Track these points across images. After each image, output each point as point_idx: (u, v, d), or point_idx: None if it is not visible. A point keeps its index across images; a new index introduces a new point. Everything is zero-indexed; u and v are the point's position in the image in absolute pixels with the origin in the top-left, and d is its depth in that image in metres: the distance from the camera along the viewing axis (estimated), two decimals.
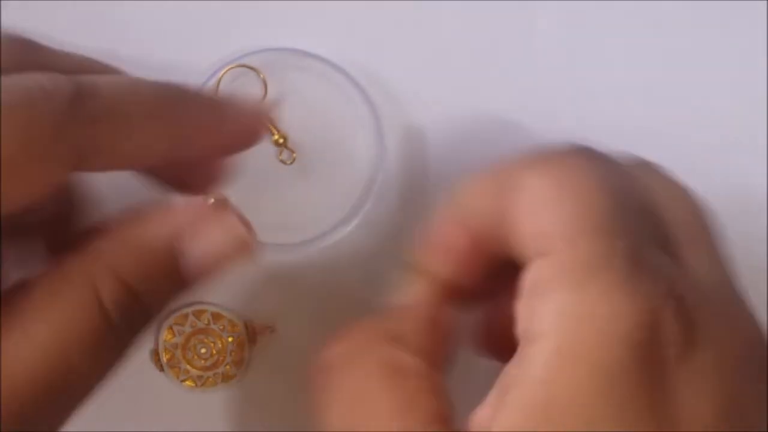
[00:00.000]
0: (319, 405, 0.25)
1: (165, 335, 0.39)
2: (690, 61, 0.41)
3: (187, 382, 0.39)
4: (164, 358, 0.39)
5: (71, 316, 0.23)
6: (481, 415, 0.23)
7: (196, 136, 0.26)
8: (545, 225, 0.23)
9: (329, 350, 0.25)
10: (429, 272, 0.27)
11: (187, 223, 0.25)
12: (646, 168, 0.27)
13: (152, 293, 0.25)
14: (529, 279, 0.23)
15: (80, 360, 0.23)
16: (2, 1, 0.40)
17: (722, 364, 0.22)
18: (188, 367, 0.39)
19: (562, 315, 0.21)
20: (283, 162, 0.40)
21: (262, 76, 0.40)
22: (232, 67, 0.40)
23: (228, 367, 0.39)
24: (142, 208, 0.25)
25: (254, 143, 0.28)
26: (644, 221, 0.23)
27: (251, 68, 0.40)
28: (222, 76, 0.40)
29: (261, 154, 0.40)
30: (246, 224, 0.26)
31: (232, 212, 0.26)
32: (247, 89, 0.40)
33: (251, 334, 0.40)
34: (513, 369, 0.22)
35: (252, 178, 0.40)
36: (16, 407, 0.22)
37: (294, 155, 0.40)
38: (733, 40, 0.41)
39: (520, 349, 0.22)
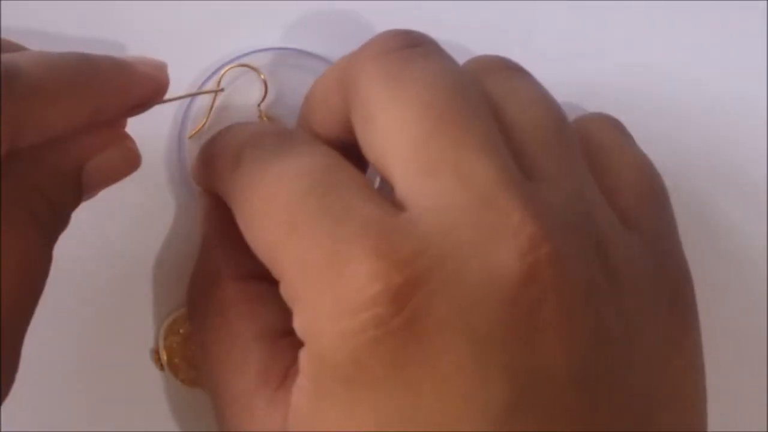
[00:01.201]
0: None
1: (165, 335, 0.39)
2: (690, 61, 0.41)
3: (188, 382, 0.39)
4: (164, 358, 0.39)
5: (23, 236, 0.26)
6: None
7: (111, 98, 0.29)
8: (271, 253, 0.27)
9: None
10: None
11: (96, 148, 0.29)
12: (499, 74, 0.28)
13: (64, 206, 0.28)
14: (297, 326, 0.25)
15: (36, 272, 0.27)
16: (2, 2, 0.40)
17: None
18: (189, 366, 0.39)
19: (301, 327, 0.25)
20: None
21: (262, 76, 0.40)
22: (232, 67, 0.40)
23: None
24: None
25: (160, 97, 0.32)
26: None
27: (251, 68, 0.40)
28: (222, 75, 0.40)
29: None
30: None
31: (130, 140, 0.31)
32: (248, 89, 0.40)
33: None
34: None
35: None
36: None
37: None
38: (733, 40, 0.42)
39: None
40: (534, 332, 0.22)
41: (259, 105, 0.40)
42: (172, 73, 0.40)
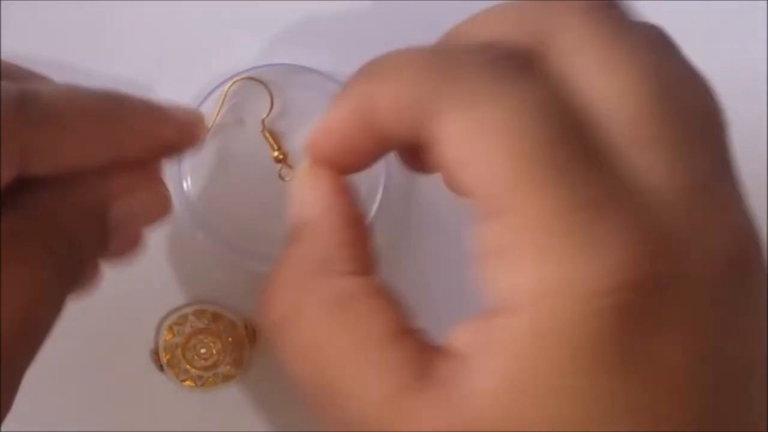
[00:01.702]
0: (287, 368, 0.25)
1: (165, 335, 0.39)
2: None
3: (187, 382, 0.39)
4: (164, 358, 0.39)
5: (36, 269, 0.25)
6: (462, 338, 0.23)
7: (136, 138, 0.28)
8: (486, 179, 0.22)
9: (268, 311, 0.25)
10: (318, 165, 0.27)
11: (123, 189, 0.28)
12: (585, 46, 0.25)
13: (88, 247, 0.27)
14: (487, 240, 0.22)
15: (43, 308, 0.25)
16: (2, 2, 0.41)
17: (695, 301, 0.21)
18: (188, 367, 0.39)
19: (532, 290, 0.21)
20: (282, 178, 0.40)
21: (269, 89, 0.40)
22: (238, 79, 0.40)
23: (228, 367, 0.39)
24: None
25: (192, 146, 0.31)
26: (579, 150, 0.22)
27: (259, 81, 0.40)
28: (228, 88, 0.40)
29: (261, 170, 0.40)
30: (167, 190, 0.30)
31: (161, 184, 0.30)
32: (253, 102, 0.41)
33: (251, 334, 0.40)
34: (486, 326, 0.22)
35: (252, 194, 0.40)
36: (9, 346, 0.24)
37: (293, 171, 0.41)
38: (733, 40, 0.41)
39: (489, 314, 0.22)
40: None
41: (263, 119, 0.40)
42: (181, 84, 0.41)
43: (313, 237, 0.26)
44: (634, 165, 0.22)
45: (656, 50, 0.24)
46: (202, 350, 0.39)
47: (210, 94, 0.40)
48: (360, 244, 0.26)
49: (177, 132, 0.30)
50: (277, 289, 0.25)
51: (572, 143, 0.22)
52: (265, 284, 0.26)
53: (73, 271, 0.27)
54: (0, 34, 0.40)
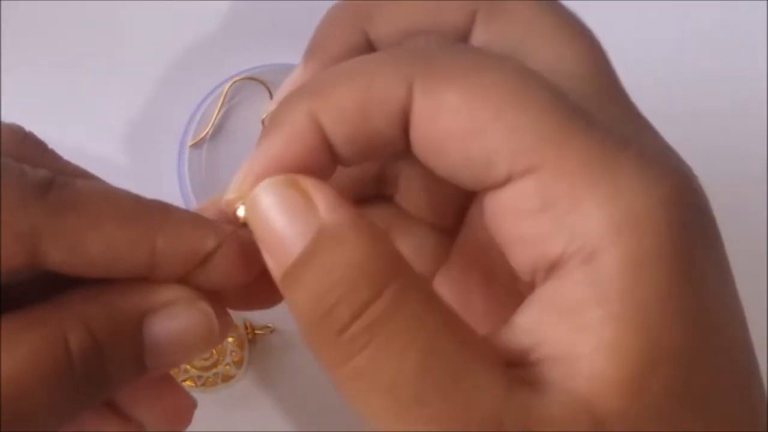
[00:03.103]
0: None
1: None
2: (690, 61, 0.41)
3: (187, 382, 0.39)
4: None
5: (39, 351, 0.23)
6: (521, 331, 0.21)
7: (178, 247, 0.24)
8: (508, 140, 0.21)
9: (364, 308, 0.22)
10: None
11: (162, 301, 0.25)
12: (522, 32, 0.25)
13: (114, 357, 0.24)
14: (528, 198, 0.21)
15: (41, 397, 0.23)
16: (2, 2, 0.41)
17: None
18: (188, 367, 0.39)
19: (609, 223, 0.20)
20: None
21: (269, 89, 0.41)
22: (238, 79, 0.40)
23: (228, 367, 0.39)
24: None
25: (243, 281, 0.25)
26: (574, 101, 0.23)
27: (259, 81, 0.40)
28: (228, 88, 0.40)
29: None
30: (218, 314, 0.25)
31: (206, 303, 0.25)
32: (252, 102, 0.41)
33: (251, 334, 0.40)
34: (568, 290, 0.21)
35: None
36: None
37: None
38: (733, 40, 0.41)
39: (562, 270, 0.21)
40: None
41: (263, 119, 0.40)
42: (182, 84, 0.41)
43: (367, 233, 0.22)
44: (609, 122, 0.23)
45: (582, 24, 0.26)
46: None
47: (210, 94, 0.40)
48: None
49: (218, 246, 0.25)
50: (359, 285, 0.21)
51: (564, 96, 0.22)
52: (322, 297, 0.21)
53: (91, 375, 0.24)
54: (0, 33, 0.40)
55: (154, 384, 0.27)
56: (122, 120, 0.41)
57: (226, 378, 0.40)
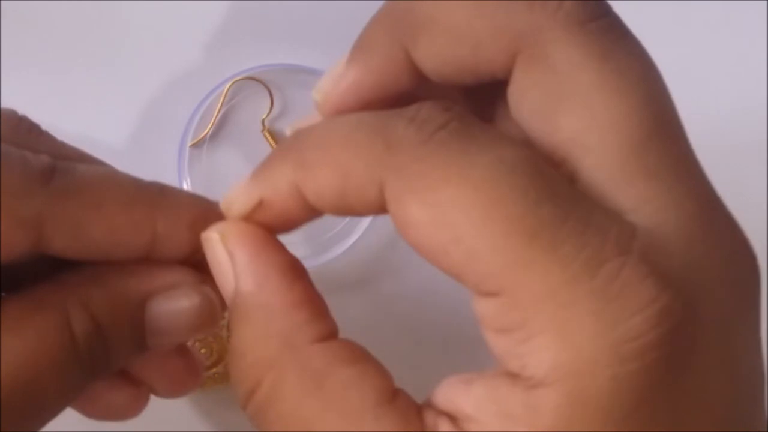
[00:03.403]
0: None
1: None
2: (690, 61, 0.41)
3: None
4: None
5: (44, 335, 0.23)
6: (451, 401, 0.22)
7: (175, 231, 0.25)
8: (472, 263, 0.20)
9: (242, 398, 0.23)
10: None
11: (164, 284, 0.26)
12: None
13: (116, 338, 0.25)
14: (490, 318, 0.21)
15: (49, 378, 0.24)
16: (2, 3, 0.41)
17: (710, 332, 0.21)
18: None
19: (555, 365, 0.20)
20: None
21: (269, 89, 0.41)
22: (239, 79, 0.40)
23: (228, 367, 0.39)
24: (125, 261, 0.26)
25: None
26: (566, 202, 0.20)
27: (259, 80, 0.40)
28: (228, 88, 0.40)
29: None
30: (217, 297, 0.26)
31: (209, 282, 0.25)
32: (253, 102, 0.41)
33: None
34: (507, 399, 0.21)
35: None
36: None
37: None
38: (733, 40, 0.41)
39: (512, 386, 0.21)
40: None
41: (263, 119, 0.41)
42: (182, 84, 0.41)
43: (263, 309, 0.23)
44: (628, 202, 0.21)
45: (643, 72, 0.23)
46: (202, 350, 0.40)
47: (210, 94, 0.40)
48: (315, 299, 0.23)
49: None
50: (246, 375, 0.23)
51: (552, 199, 0.20)
52: (232, 377, 0.24)
53: (95, 356, 0.24)
54: (0, 33, 0.40)
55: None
56: (122, 120, 0.41)
57: (226, 378, 0.40)
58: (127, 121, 0.41)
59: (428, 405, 0.22)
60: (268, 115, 0.40)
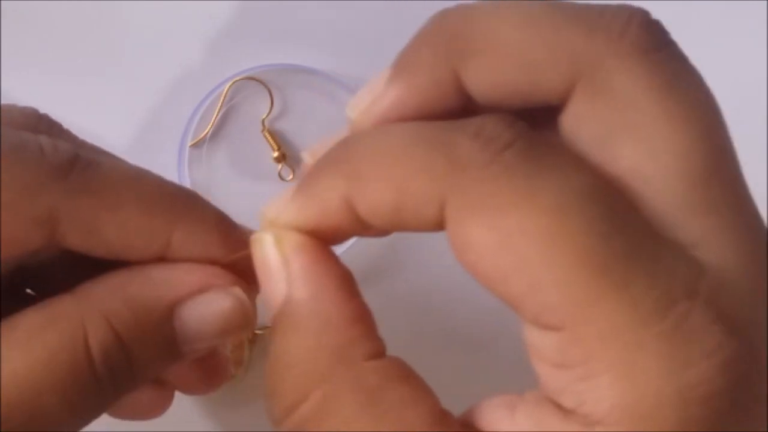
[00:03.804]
0: None
1: None
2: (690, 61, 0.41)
3: None
4: None
5: (54, 353, 0.23)
6: None
7: (186, 250, 0.25)
8: (534, 293, 0.20)
9: (284, 412, 0.22)
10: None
11: (191, 289, 0.25)
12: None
13: (142, 351, 0.24)
14: (547, 352, 0.20)
15: (52, 402, 0.23)
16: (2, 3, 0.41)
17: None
18: None
19: (617, 405, 0.19)
20: (282, 178, 0.40)
21: (269, 89, 0.40)
22: (239, 79, 0.40)
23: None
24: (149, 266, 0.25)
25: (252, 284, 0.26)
26: (634, 238, 0.20)
27: (259, 80, 0.40)
28: (228, 88, 0.40)
29: (260, 169, 0.41)
30: (249, 297, 0.25)
31: (237, 283, 0.25)
32: (253, 102, 0.41)
33: (251, 335, 0.40)
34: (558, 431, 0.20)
35: (250, 194, 0.40)
36: None
37: (293, 171, 0.41)
38: (733, 40, 0.41)
39: (564, 420, 0.20)
40: None
41: (263, 119, 0.41)
42: (182, 84, 0.41)
43: (318, 320, 0.22)
44: (690, 236, 0.20)
45: (705, 105, 0.22)
46: None
47: (210, 94, 0.40)
48: (367, 315, 0.23)
49: (238, 253, 0.25)
50: (292, 387, 0.22)
51: (622, 231, 0.20)
52: (272, 384, 0.22)
53: (116, 373, 0.23)
54: (0, 33, 0.40)
55: None
56: (122, 120, 0.41)
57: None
58: (128, 121, 0.41)
59: (469, 425, 0.22)
60: (268, 115, 0.40)
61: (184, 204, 0.25)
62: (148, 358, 0.24)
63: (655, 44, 0.22)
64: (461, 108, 0.23)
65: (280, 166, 0.40)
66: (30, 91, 0.40)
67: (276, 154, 0.40)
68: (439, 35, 0.23)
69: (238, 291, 0.25)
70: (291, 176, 0.40)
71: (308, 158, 0.24)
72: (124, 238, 0.24)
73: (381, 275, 0.41)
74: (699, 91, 0.22)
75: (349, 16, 0.42)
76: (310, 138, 0.41)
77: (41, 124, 0.26)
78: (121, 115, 0.41)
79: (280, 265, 0.23)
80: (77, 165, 0.23)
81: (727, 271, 0.20)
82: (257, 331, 0.40)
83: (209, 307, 0.25)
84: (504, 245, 0.20)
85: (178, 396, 0.39)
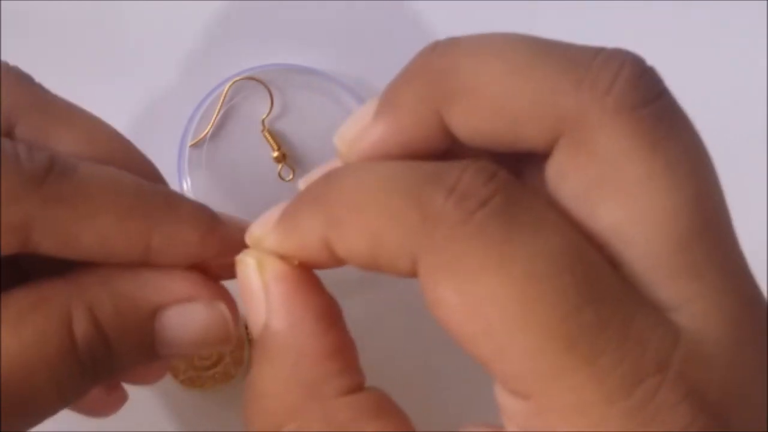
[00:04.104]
0: None
1: None
2: (690, 61, 0.41)
3: (187, 382, 0.39)
4: None
5: (43, 335, 0.23)
6: None
7: (166, 252, 0.24)
8: (502, 361, 0.19)
9: None
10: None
11: (177, 296, 0.25)
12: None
13: (121, 346, 0.24)
14: (515, 415, 0.20)
15: (43, 379, 0.23)
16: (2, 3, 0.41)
17: None
18: (188, 367, 0.39)
19: None
20: (282, 178, 0.40)
21: (269, 89, 0.40)
22: (238, 79, 0.40)
23: (228, 367, 0.39)
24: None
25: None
26: (612, 306, 0.19)
27: (258, 80, 0.40)
28: (228, 88, 0.40)
29: (260, 169, 0.41)
30: (233, 312, 0.26)
31: (224, 296, 0.25)
32: (253, 102, 0.41)
33: (251, 334, 0.40)
34: None
35: (250, 194, 0.40)
36: None
37: (293, 171, 0.41)
38: (733, 40, 0.41)
39: None
40: None
41: (263, 119, 0.41)
42: (182, 84, 0.41)
43: (293, 352, 0.22)
44: (670, 300, 0.20)
45: (695, 165, 0.21)
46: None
47: (210, 94, 0.40)
48: (346, 347, 0.23)
49: (231, 246, 0.25)
50: (264, 420, 0.22)
51: (595, 299, 0.19)
52: (247, 413, 0.23)
53: (97, 361, 0.24)
54: (0, 33, 0.40)
55: None
56: (122, 120, 0.41)
57: (226, 378, 0.40)
58: (128, 120, 0.41)
59: None
60: (268, 115, 0.41)
61: (162, 207, 0.24)
62: (125, 353, 0.24)
63: (642, 99, 0.21)
64: (447, 146, 0.23)
65: (280, 166, 0.40)
66: None
67: (276, 154, 0.40)
68: (424, 74, 0.23)
69: (222, 306, 0.25)
70: (291, 176, 0.40)
71: (302, 187, 0.24)
72: (101, 245, 0.23)
73: (379, 278, 0.41)
74: (689, 149, 0.21)
75: (349, 16, 0.42)
76: (310, 138, 0.41)
77: (35, 103, 0.26)
78: (121, 115, 0.41)
79: (261, 291, 0.23)
80: (52, 172, 0.23)
81: (705, 338, 0.20)
82: None
83: (192, 317, 0.25)
84: (472, 310, 0.19)
85: (178, 396, 0.40)
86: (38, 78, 0.40)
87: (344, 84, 0.40)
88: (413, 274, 0.21)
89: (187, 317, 0.25)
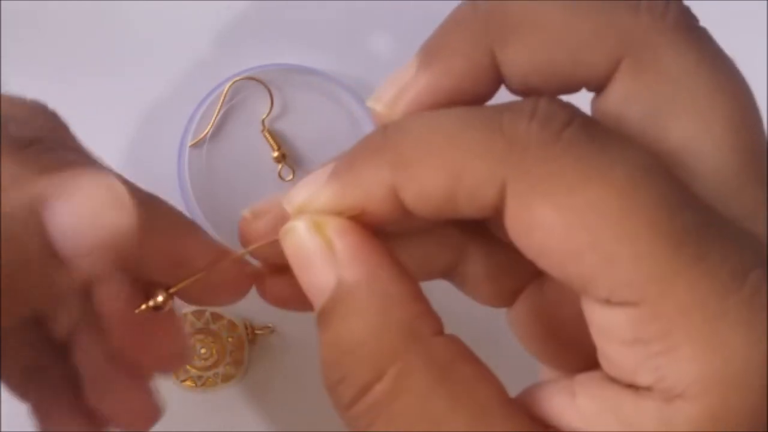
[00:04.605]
0: None
1: None
2: None
3: (187, 382, 0.39)
4: None
5: None
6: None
7: (157, 256, 0.25)
8: (608, 271, 0.19)
9: (354, 392, 0.21)
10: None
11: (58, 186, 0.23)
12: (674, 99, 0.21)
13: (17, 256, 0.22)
14: (619, 329, 0.20)
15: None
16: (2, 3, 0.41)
17: None
18: (188, 367, 0.39)
19: (701, 376, 0.19)
20: (282, 178, 0.40)
21: (269, 89, 0.40)
22: (238, 79, 0.40)
23: (228, 367, 0.40)
24: None
25: (233, 300, 0.26)
26: (700, 214, 0.20)
27: (258, 80, 0.40)
28: (228, 88, 0.40)
29: (260, 169, 0.41)
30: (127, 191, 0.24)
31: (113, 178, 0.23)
32: (253, 102, 0.41)
33: (251, 335, 0.40)
34: (637, 414, 0.20)
35: (250, 194, 0.40)
36: None
37: (293, 171, 0.41)
38: (733, 40, 0.41)
39: (639, 399, 0.20)
40: None
41: (263, 119, 0.41)
42: (182, 84, 0.41)
43: (380, 298, 0.21)
44: (744, 208, 0.21)
45: (745, 82, 0.22)
46: (202, 350, 0.40)
47: (210, 94, 0.40)
48: (422, 292, 0.22)
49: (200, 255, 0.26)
50: (365, 367, 0.21)
51: (690, 205, 0.19)
52: (336, 370, 0.22)
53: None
54: (0, 33, 0.40)
55: (124, 381, 0.27)
56: (122, 120, 0.41)
57: (226, 378, 0.40)
58: (128, 120, 0.41)
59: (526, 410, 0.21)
60: (268, 115, 0.41)
61: (149, 214, 0.24)
62: (28, 265, 0.22)
63: (695, 20, 0.22)
64: (494, 92, 0.23)
65: (280, 166, 0.40)
66: (30, 90, 0.40)
67: (276, 154, 0.40)
68: (474, 17, 0.22)
69: (107, 179, 0.23)
70: (291, 176, 0.40)
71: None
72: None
73: None
74: (734, 64, 0.22)
75: (349, 16, 0.42)
76: (310, 138, 0.41)
77: (45, 122, 0.26)
78: (122, 115, 0.41)
79: (324, 250, 0.22)
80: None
81: None
82: (257, 331, 0.41)
83: (74, 200, 0.23)
84: (575, 223, 0.19)
85: (178, 396, 0.39)
86: (38, 78, 0.41)
87: (344, 84, 0.40)
88: (495, 208, 0.20)
89: (72, 201, 0.23)
